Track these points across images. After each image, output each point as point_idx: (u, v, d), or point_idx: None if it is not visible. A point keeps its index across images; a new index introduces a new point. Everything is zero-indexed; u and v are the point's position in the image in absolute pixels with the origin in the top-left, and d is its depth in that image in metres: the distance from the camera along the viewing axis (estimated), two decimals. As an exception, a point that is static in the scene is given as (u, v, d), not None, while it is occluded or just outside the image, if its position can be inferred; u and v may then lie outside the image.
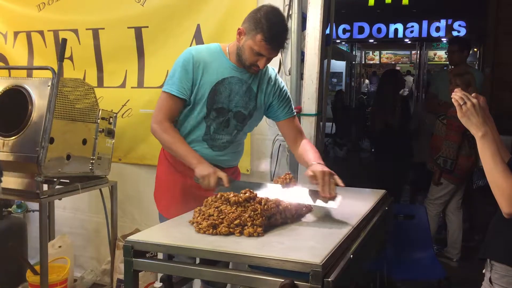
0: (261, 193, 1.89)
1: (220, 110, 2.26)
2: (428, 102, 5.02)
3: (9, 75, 3.75)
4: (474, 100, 1.66)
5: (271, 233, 1.77)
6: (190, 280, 2.19)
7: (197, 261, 1.90)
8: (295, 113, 2.44)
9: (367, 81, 17.13)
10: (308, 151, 2.24)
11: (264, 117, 2.96)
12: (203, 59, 2.22)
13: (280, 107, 2.37)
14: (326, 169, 1.98)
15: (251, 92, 2.29)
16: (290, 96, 2.43)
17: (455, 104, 1.68)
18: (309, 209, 2.02)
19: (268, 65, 2.33)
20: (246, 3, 2.98)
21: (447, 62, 16.87)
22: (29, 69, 3.76)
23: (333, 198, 1.91)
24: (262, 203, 1.78)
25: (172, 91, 2.19)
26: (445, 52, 5.61)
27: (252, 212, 1.74)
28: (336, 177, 1.97)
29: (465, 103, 1.65)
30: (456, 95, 1.67)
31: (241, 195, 1.83)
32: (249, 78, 2.28)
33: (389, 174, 5.63)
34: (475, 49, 13.84)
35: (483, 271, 1.79)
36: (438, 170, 4.02)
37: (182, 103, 2.23)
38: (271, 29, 2.08)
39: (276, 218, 1.82)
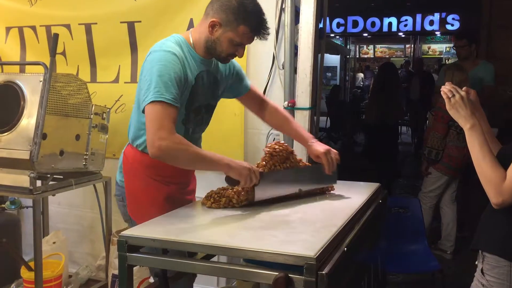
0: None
1: (197, 109, 2.16)
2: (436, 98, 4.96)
3: (1, 71, 3.72)
4: (463, 93, 1.71)
5: (265, 226, 1.77)
6: (185, 275, 2.19)
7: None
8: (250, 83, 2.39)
9: (361, 75, 17.14)
10: (292, 122, 2.38)
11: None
12: (183, 57, 2.02)
13: (240, 84, 2.32)
14: (326, 147, 2.22)
15: (216, 81, 2.21)
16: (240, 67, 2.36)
17: (444, 96, 1.73)
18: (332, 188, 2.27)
19: None
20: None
21: (442, 56, 17.01)
22: (21, 64, 3.74)
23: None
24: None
25: (169, 100, 1.89)
26: (453, 47, 5.63)
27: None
28: (336, 153, 2.23)
29: (453, 95, 1.69)
30: (445, 88, 1.73)
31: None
32: (212, 68, 2.17)
33: (384, 166, 5.67)
34: (469, 43, 13.77)
35: (476, 262, 1.81)
36: (425, 161, 4.07)
37: (178, 112, 1.96)
38: (255, 19, 2.01)
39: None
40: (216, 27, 2.02)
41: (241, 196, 2.00)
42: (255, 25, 2.02)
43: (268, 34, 2.09)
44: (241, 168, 1.95)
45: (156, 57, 1.96)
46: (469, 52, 4.69)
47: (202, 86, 2.12)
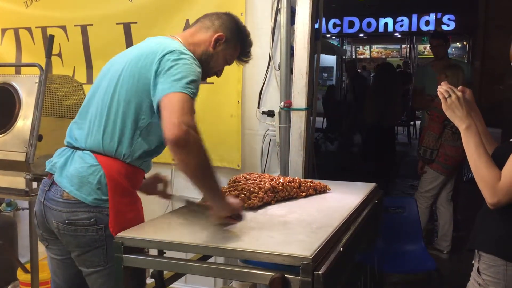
0: None
1: None
2: (416, 98, 5.07)
3: (-3, 73, 3.71)
4: (459, 93, 1.71)
5: (261, 226, 1.77)
6: (182, 276, 2.19)
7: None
8: None
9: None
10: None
11: (256, 111, 2.98)
12: None
13: None
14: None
15: None
16: None
17: (440, 96, 1.73)
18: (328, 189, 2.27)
19: None
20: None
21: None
22: (17, 66, 3.73)
23: None
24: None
25: (194, 100, 1.72)
26: (429, 47, 5.75)
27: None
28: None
29: (450, 95, 1.70)
30: (442, 88, 1.73)
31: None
32: None
33: (380, 167, 5.69)
34: (465, 43, 13.91)
35: (472, 262, 1.82)
36: (420, 160, 4.10)
37: None
38: (248, 44, 2.11)
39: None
40: (220, 42, 1.99)
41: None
42: (246, 49, 2.10)
43: (247, 61, 2.17)
44: (231, 202, 1.80)
45: (190, 62, 1.81)
46: (444, 52, 4.82)
47: None
